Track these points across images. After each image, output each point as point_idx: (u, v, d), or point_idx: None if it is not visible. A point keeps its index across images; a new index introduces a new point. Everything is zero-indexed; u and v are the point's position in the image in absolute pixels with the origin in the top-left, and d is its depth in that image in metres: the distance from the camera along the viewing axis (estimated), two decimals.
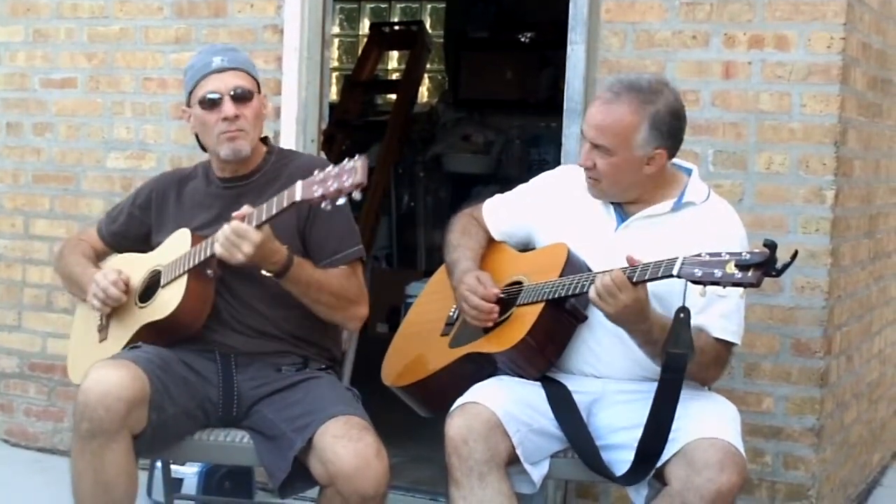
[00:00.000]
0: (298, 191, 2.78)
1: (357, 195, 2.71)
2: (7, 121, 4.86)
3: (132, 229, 3.35)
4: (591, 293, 2.78)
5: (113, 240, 3.40)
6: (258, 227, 2.87)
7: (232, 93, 3.10)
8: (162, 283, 3.12)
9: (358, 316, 3.17)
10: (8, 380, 4.87)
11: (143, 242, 3.31)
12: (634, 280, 2.73)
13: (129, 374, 2.88)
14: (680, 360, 2.72)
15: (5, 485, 4.36)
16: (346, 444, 2.83)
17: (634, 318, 2.79)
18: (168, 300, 3.07)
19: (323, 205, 2.74)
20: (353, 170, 2.69)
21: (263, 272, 2.96)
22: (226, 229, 2.88)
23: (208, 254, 2.98)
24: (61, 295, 4.67)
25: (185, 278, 3.04)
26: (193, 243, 3.07)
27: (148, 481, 3.87)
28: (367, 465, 2.81)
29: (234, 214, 2.90)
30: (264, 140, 3.27)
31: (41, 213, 4.80)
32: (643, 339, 2.85)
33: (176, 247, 3.13)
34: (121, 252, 3.38)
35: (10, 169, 4.86)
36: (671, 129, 2.97)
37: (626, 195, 3.04)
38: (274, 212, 2.85)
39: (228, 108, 3.09)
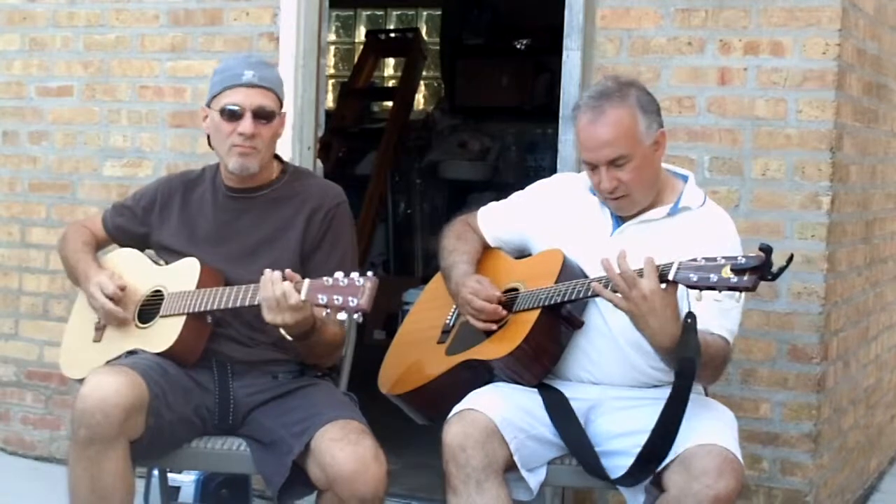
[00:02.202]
0: (304, 290, 2.79)
1: (358, 318, 2.77)
2: (3, 129, 4.86)
3: (132, 226, 3.35)
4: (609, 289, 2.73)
5: (116, 232, 3.39)
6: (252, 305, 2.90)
7: (254, 110, 3.09)
8: (162, 313, 3.12)
9: (335, 358, 3.25)
10: (5, 388, 4.87)
11: (141, 241, 3.33)
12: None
13: (127, 381, 2.88)
14: (690, 365, 2.72)
15: (3, 493, 4.35)
16: (345, 448, 2.83)
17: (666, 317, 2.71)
18: (164, 336, 3.07)
19: (324, 313, 2.78)
20: (362, 290, 2.74)
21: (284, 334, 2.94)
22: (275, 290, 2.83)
23: (208, 308, 3.01)
24: (58, 303, 4.68)
25: (184, 318, 3.05)
26: (202, 279, 3.07)
27: (145, 489, 3.85)
28: (365, 469, 2.81)
29: (287, 273, 2.85)
30: (278, 157, 3.26)
31: (37, 222, 4.79)
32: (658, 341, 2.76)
33: (183, 275, 3.12)
34: (121, 244, 3.38)
35: (6, 177, 4.86)
36: (655, 107, 3.00)
37: (650, 195, 3.01)
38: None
39: (247, 125, 3.08)
